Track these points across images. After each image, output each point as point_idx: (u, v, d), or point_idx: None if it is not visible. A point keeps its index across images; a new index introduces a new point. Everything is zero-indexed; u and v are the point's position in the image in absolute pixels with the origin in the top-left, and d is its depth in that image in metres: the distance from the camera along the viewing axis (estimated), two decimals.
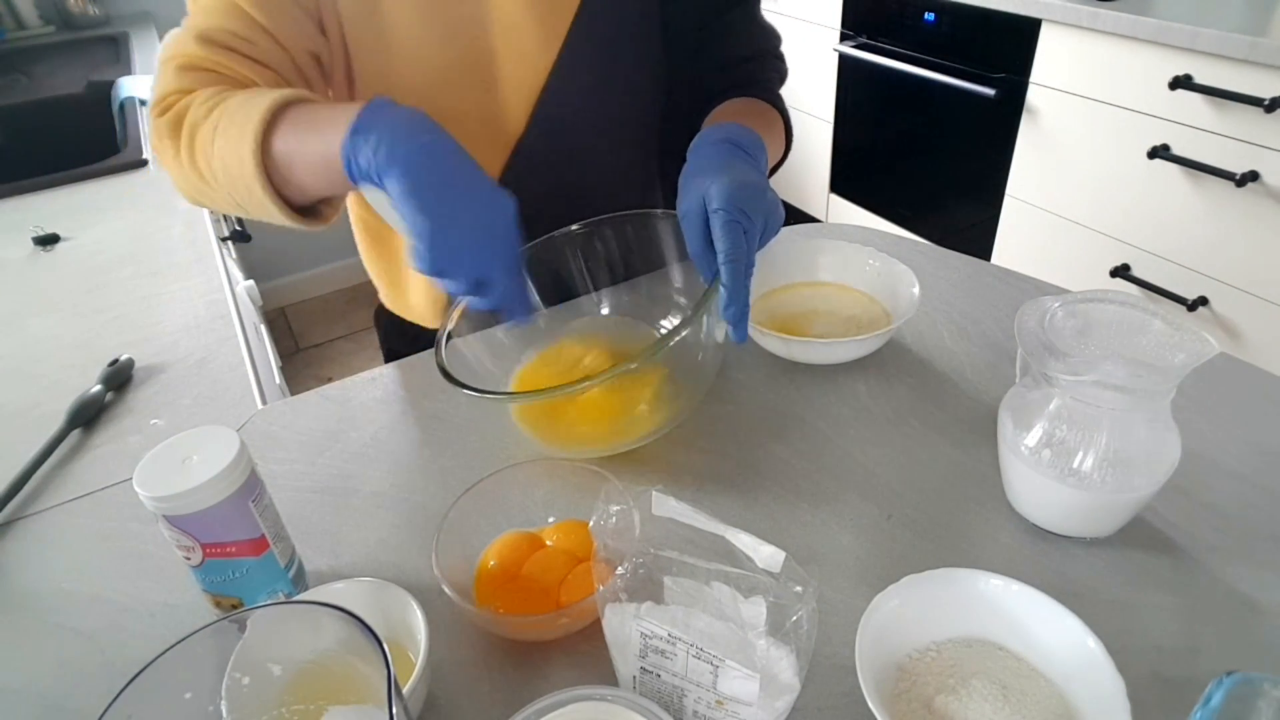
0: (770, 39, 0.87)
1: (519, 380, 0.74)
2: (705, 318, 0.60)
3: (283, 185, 0.64)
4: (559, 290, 0.80)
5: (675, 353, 0.59)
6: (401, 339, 0.97)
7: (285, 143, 0.62)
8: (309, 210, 0.69)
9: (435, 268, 0.58)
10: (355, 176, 0.59)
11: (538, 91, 0.78)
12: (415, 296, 0.92)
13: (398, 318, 0.97)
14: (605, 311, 0.81)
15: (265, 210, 0.66)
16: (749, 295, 0.61)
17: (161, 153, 0.70)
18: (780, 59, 0.88)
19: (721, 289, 0.60)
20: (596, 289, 0.82)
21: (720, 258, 0.59)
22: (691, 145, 0.69)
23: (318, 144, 0.61)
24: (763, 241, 0.62)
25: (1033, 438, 0.56)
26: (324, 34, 0.72)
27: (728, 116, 0.78)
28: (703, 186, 0.61)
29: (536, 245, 0.76)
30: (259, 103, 0.63)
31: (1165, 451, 0.54)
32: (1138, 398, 0.51)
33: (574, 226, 0.78)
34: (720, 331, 0.66)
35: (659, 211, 0.75)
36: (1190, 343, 0.51)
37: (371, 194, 0.60)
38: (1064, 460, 0.55)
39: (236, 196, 0.66)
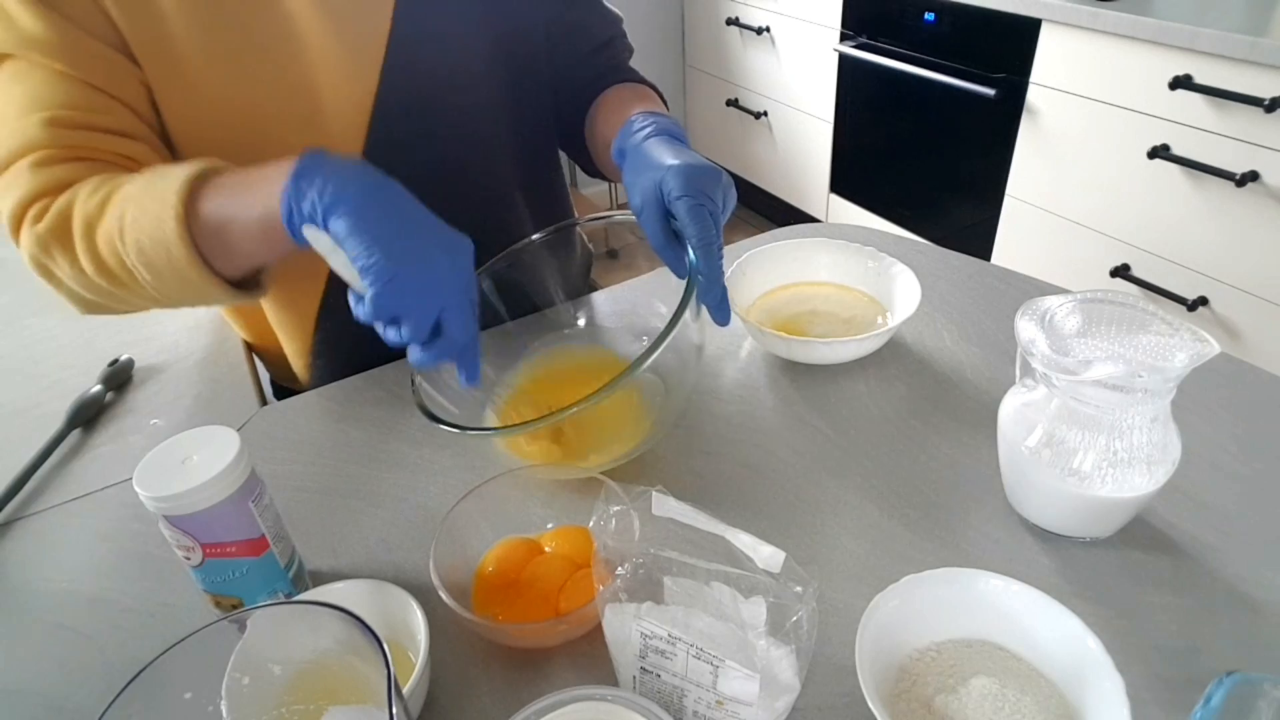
0: (616, 22, 0.88)
1: (503, 409, 0.72)
2: (687, 315, 0.59)
3: (216, 257, 0.59)
4: (528, 302, 0.80)
5: (659, 359, 0.58)
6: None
7: (216, 207, 0.57)
8: (244, 283, 0.63)
9: (386, 307, 0.52)
10: (297, 223, 0.54)
11: (367, 117, 0.73)
12: (290, 349, 0.86)
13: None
14: (581, 323, 0.81)
15: (199, 292, 0.60)
16: (724, 276, 0.61)
17: (49, 266, 0.62)
18: (625, 36, 0.89)
19: (699, 275, 0.59)
20: (569, 298, 0.81)
21: (692, 242, 0.59)
22: (619, 147, 0.69)
23: (255, 201, 0.56)
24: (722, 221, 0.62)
25: (1033, 438, 0.56)
26: None
27: (622, 107, 0.76)
28: (655, 178, 0.61)
29: (501, 259, 0.75)
30: (172, 179, 0.57)
31: (1165, 451, 0.54)
32: (1138, 398, 0.51)
33: (535, 236, 0.77)
34: (699, 330, 0.66)
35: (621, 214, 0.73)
36: (1190, 343, 0.51)
37: (316, 238, 0.55)
38: (1064, 460, 0.55)
39: (163, 287, 0.60)
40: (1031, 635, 0.48)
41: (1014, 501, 0.61)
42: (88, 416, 0.76)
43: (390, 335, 0.55)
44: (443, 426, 0.58)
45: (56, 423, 0.75)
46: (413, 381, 0.63)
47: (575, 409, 0.56)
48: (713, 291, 0.60)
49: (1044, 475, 0.56)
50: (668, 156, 0.62)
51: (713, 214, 0.59)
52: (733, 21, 2.59)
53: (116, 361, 0.82)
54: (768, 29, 2.47)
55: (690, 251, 0.59)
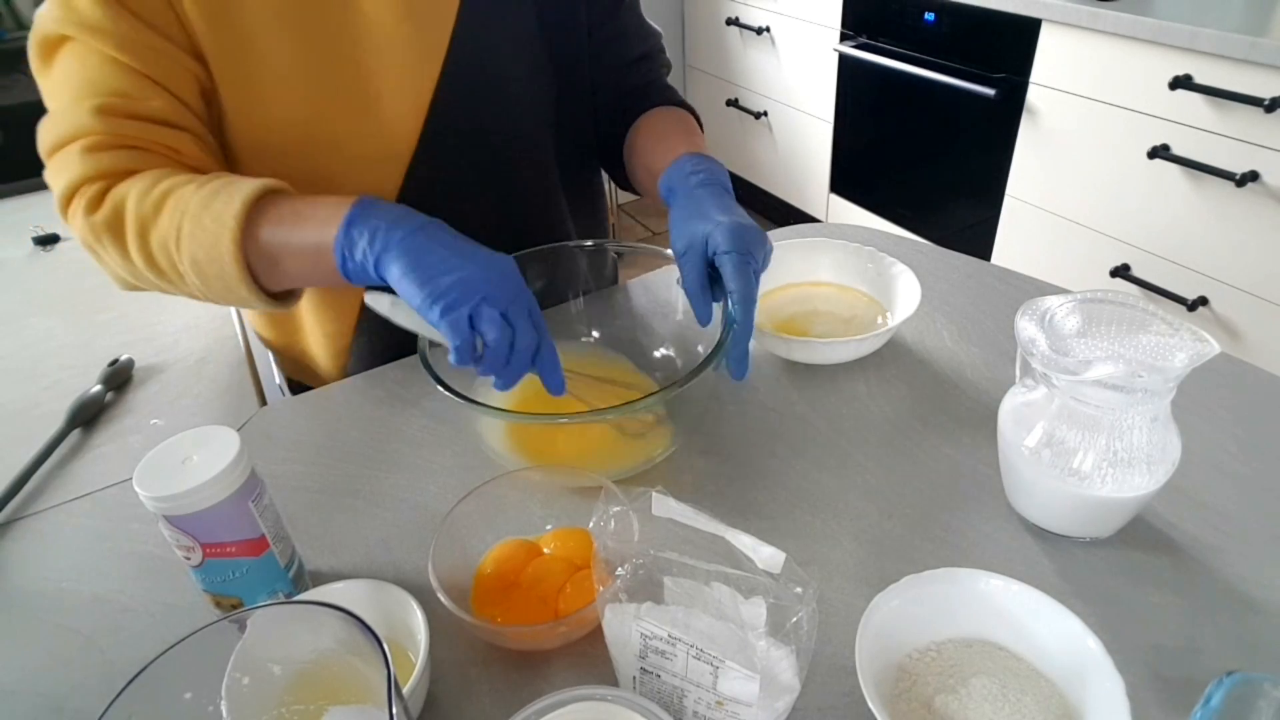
0: (655, 36, 0.89)
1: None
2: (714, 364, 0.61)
3: (264, 276, 0.64)
4: (552, 300, 0.80)
5: (679, 394, 0.60)
6: None
7: (272, 236, 0.61)
8: (283, 294, 0.68)
9: (464, 331, 0.55)
10: (351, 272, 0.59)
11: (424, 109, 0.74)
12: (315, 349, 0.87)
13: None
14: (596, 335, 0.81)
15: (243, 301, 0.65)
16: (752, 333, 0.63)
17: (99, 251, 0.66)
18: (664, 53, 0.90)
19: (734, 325, 0.61)
20: (588, 309, 0.81)
21: (734, 297, 0.61)
22: (668, 185, 0.71)
23: (308, 238, 0.61)
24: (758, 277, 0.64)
25: (1033, 438, 0.56)
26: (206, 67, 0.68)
27: (667, 138, 0.78)
28: (704, 230, 0.63)
29: (536, 253, 0.76)
30: (230, 201, 0.60)
31: (1165, 451, 0.54)
32: (1138, 398, 0.51)
33: (588, 242, 0.78)
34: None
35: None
36: (1190, 343, 0.51)
37: (376, 302, 0.60)
38: (1064, 460, 0.55)
39: (209, 292, 0.65)
40: (1031, 635, 0.48)
41: (1014, 501, 0.61)
42: (88, 416, 0.76)
43: (480, 368, 0.57)
44: (452, 396, 0.59)
45: (56, 423, 0.75)
46: (422, 355, 0.63)
47: (581, 417, 0.57)
48: (741, 344, 0.61)
49: (1044, 475, 0.56)
50: (716, 212, 0.64)
51: (755, 271, 0.62)
52: (733, 21, 2.59)
53: (116, 361, 0.82)
54: (768, 29, 2.47)
55: (730, 304, 0.61)
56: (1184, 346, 0.51)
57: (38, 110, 0.68)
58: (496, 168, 0.81)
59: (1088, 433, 0.54)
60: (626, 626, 0.46)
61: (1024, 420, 0.57)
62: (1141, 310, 0.54)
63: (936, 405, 0.71)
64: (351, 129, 0.72)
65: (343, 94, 0.71)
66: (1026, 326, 0.54)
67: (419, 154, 0.75)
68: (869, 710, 0.43)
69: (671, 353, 0.77)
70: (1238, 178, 1.41)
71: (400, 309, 0.59)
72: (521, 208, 0.84)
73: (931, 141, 2.08)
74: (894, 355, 0.78)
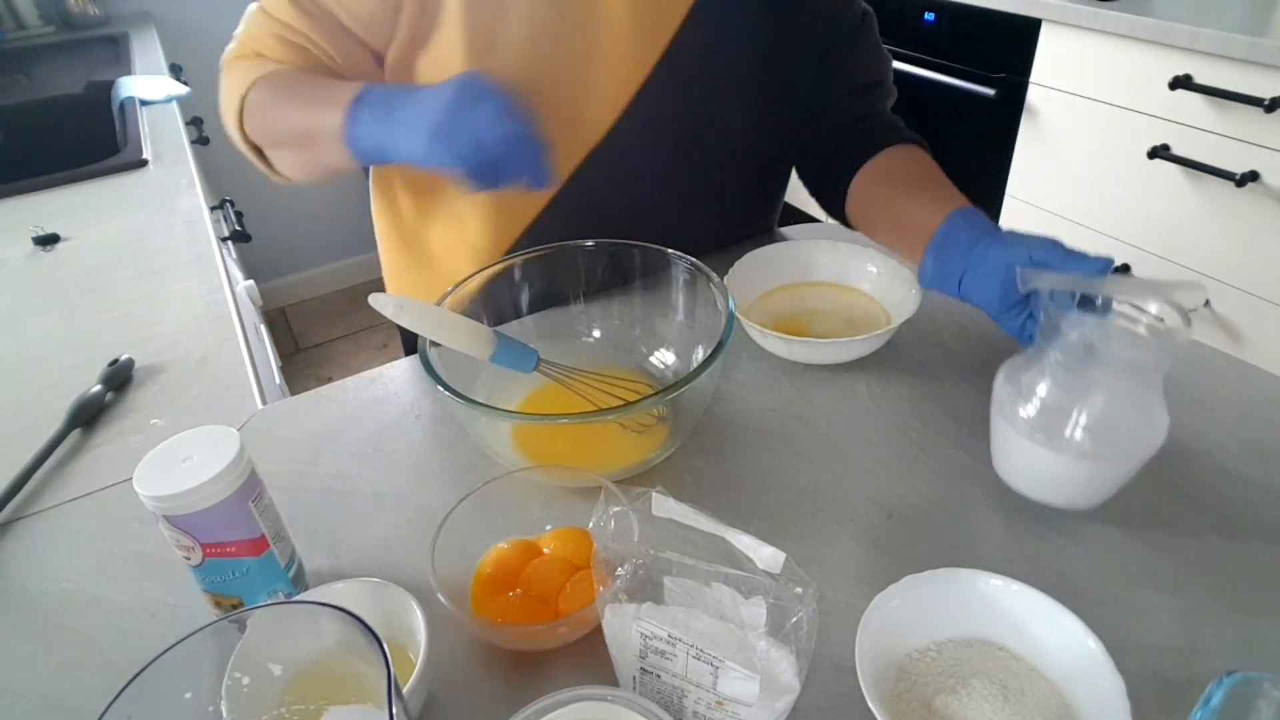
0: (887, 64, 0.87)
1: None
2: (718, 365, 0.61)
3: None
4: (553, 301, 0.80)
5: (681, 394, 0.60)
6: None
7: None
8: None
9: (449, 150, 0.60)
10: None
11: (624, 104, 0.77)
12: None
13: None
14: (597, 334, 0.80)
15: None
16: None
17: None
18: (891, 81, 0.88)
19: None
20: (589, 308, 0.81)
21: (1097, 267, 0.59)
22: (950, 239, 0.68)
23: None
24: None
25: (1025, 406, 0.57)
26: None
27: (920, 188, 0.77)
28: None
29: (545, 251, 0.76)
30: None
31: (1153, 428, 0.55)
32: (1133, 370, 0.53)
33: (588, 242, 0.77)
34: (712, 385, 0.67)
35: (671, 252, 0.74)
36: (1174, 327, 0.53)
37: (378, 301, 0.61)
38: (1055, 428, 0.56)
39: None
40: (1031, 635, 0.48)
41: (1001, 471, 0.61)
42: (88, 416, 0.76)
43: (467, 178, 0.62)
44: (452, 396, 0.58)
45: (56, 423, 0.75)
46: (422, 355, 0.63)
47: (582, 417, 0.57)
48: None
49: (1033, 442, 0.56)
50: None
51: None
52: None
53: (116, 361, 0.82)
54: None
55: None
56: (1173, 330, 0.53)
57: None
58: (673, 177, 0.83)
59: (1080, 403, 0.55)
60: (626, 626, 0.46)
61: (1018, 388, 0.58)
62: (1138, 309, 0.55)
63: (936, 405, 0.72)
64: (550, 108, 0.71)
65: (555, 71, 0.74)
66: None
67: (601, 147, 0.78)
68: (869, 710, 0.43)
69: (672, 352, 0.77)
70: (1238, 178, 1.41)
71: (404, 312, 0.59)
72: (683, 218, 0.85)
73: (931, 141, 2.07)
74: (894, 355, 0.78)
